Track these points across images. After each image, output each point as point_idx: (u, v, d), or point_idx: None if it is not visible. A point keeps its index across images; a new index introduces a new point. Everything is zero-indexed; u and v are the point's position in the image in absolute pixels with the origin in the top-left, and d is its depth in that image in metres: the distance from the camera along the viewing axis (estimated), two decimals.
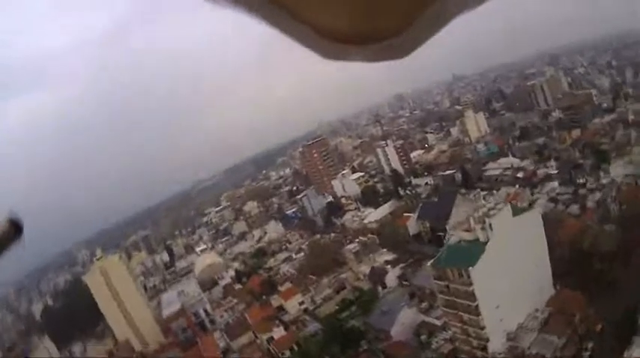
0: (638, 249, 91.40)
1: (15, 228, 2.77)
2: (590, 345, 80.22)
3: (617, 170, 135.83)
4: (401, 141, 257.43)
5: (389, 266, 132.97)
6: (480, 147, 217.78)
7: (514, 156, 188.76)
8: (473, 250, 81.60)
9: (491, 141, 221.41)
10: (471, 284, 79.33)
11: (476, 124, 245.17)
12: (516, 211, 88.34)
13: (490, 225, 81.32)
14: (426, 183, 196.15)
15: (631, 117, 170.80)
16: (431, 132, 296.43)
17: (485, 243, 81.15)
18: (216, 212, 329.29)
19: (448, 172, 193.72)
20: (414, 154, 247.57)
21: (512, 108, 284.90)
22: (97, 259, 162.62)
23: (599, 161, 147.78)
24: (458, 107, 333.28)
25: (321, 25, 1.88)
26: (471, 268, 79.10)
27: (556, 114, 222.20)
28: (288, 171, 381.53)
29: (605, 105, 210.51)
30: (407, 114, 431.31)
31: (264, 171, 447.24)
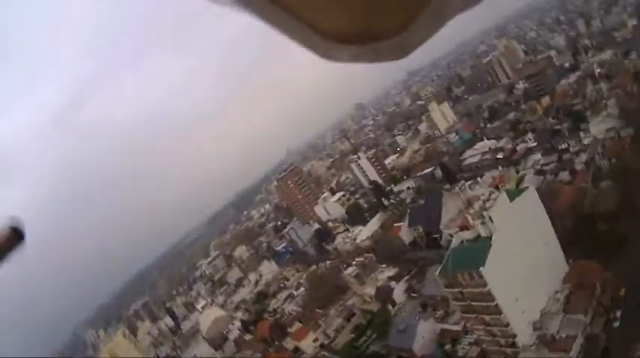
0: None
1: (17, 235, 2.82)
2: (618, 313, 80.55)
3: (598, 127, 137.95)
4: (372, 151, 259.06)
5: (393, 282, 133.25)
6: (452, 137, 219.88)
7: (489, 138, 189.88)
8: (478, 249, 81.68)
9: (462, 129, 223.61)
10: (485, 284, 79.33)
11: (442, 115, 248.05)
12: (512, 195, 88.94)
13: (490, 218, 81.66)
14: (408, 188, 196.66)
15: (597, 70, 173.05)
16: (399, 134, 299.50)
17: (489, 237, 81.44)
18: (208, 263, 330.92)
19: (427, 171, 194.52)
20: (388, 161, 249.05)
21: (474, 90, 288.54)
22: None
23: (577, 122, 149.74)
24: (420, 102, 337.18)
25: (321, 25, 1.93)
26: (481, 268, 79.03)
27: (520, 85, 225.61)
28: (268, 206, 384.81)
29: (567, 64, 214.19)
30: (371, 122, 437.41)
31: (245, 212, 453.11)
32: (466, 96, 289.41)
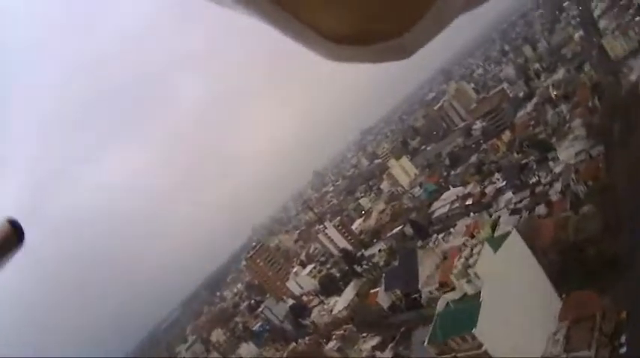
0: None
1: (16, 232, 2.86)
2: (623, 338, 78.36)
3: (566, 152, 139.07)
4: (337, 218, 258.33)
5: (378, 351, 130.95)
6: (417, 191, 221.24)
7: (454, 186, 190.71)
8: (468, 310, 79.51)
9: (426, 181, 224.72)
10: (480, 345, 76.30)
11: (402, 170, 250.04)
12: (494, 245, 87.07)
13: (476, 274, 79.87)
14: (380, 250, 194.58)
15: (553, 92, 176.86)
16: (362, 197, 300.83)
17: (477, 294, 79.32)
18: (186, 349, 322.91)
19: (396, 230, 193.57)
20: (355, 225, 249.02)
21: (430, 139, 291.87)
22: None
23: (543, 152, 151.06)
24: (378, 161, 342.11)
25: (323, 25, 2.01)
26: (474, 330, 76.50)
27: (477, 125, 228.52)
28: (240, 286, 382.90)
29: (521, 93, 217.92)
30: (332, 188, 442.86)
31: (218, 293, 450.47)
32: (424, 147, 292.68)
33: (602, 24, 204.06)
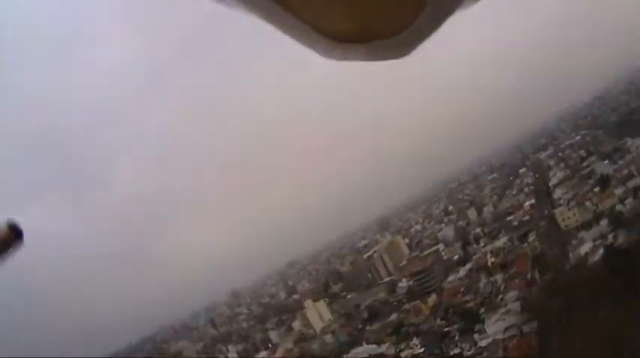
0: None
1: (15, 233, 2.93)
2: None
3: (495, 326, 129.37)
4: (242, 345, 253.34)
5: None
6: (329, 338, 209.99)
7: (368, 342, 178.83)
8: None
9: (339, 330, 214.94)
10: None
11: (317, 314, 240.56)
12: None
13: None
14: None
15: (490, 260, 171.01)
16: (272, 329, 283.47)
17: None
18: None
19: None
20: (258, 357, 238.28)
21: (353, 287, 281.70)
22: None
23: (469, 323, 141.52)
24: (295, 297, 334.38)
25: (322, 24, 2.02)
26: None
27: (404, 283, 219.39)
28: None
29: (456, 257, 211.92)
30: (245, 311, 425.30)
31: None
32: (344, 294, 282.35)
33: (557, 193, 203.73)
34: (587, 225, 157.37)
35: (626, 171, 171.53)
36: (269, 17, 1.98)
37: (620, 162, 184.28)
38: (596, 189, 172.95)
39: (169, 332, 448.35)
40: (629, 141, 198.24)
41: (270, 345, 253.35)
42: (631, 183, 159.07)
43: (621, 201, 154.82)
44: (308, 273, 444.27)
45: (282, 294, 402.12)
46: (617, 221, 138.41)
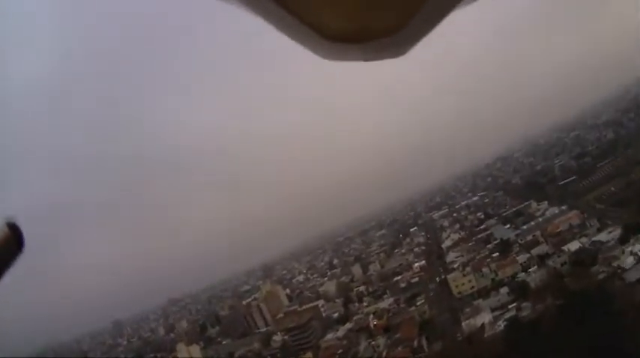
0: None
1: (15, 235, 2.77)
2: None
3: None
4: None
5: None
6: None
7: None
8: None
9: None
10: None
11: None
12: None
13: None
14: None
15: (373, 321, 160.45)
16: None
17: None
18: None
19: None
20: None
21: (229, 334, 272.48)
22: None
23: None
24: (172, 335, 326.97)
25: (320, 24, 2.05)
26: None
27: (279, 337, 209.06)
28: None
29: (336, 314, 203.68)
30: (125, 343, 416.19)
31: None
32: (220, 339, 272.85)
33: (450, 256, 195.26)
34: (484, 293, 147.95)
35: (530, 237, 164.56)
36: (268, 17, 2.00)
37: (524, 227, 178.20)
38: (495, 255, 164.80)
39: (50, 354, 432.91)
40: (533, 204, 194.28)
41: None
42: (536, 250, 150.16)
43: (524, 269, 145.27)
44: (189, 312, 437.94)
45: (162, 331, 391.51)
46: (521, 291, 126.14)
